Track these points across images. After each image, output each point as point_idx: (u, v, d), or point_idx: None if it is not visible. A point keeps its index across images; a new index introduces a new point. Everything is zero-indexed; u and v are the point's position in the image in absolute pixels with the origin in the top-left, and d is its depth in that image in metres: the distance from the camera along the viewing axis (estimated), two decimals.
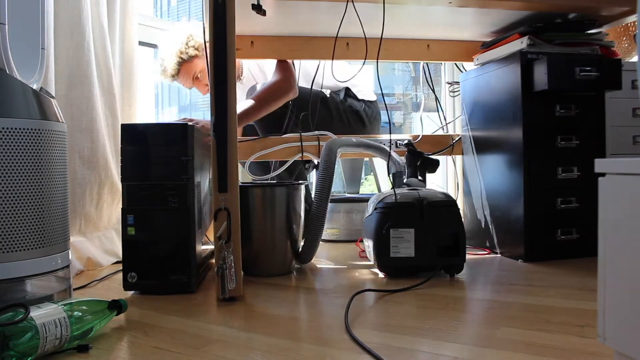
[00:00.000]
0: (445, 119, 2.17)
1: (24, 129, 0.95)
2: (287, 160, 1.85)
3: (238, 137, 1.22)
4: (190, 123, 1.31)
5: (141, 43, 2.00)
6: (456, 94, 2.26)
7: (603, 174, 0.71)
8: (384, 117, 2.25)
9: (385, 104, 1.97)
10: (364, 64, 1.52)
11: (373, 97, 2.20)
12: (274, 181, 1.79)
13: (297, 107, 1.94)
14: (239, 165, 1.33)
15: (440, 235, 1.41)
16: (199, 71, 1.97)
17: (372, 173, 2.42)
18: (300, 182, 1.57)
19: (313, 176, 2.21)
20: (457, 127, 2.37)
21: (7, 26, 0.94)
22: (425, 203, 1.40)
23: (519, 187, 1.60)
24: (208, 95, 1.20)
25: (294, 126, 1.93)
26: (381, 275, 1.45)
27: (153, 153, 1.28)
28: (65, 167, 1.07)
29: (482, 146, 1.82)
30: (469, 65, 2.04)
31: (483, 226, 1.81)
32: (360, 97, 2.15)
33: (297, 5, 1.51)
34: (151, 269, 1.27)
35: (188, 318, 1.08)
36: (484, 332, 0.97)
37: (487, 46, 1.81)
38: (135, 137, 1.28)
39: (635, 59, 2.09)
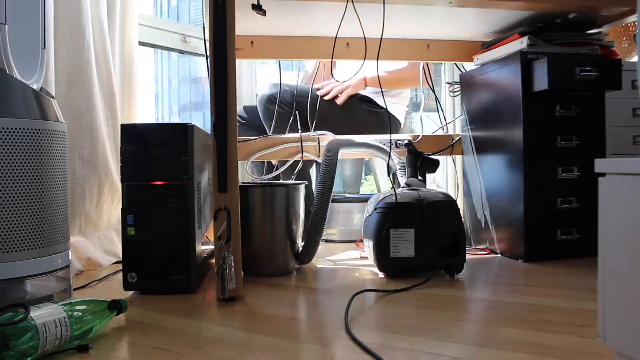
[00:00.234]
0: (445, 119, 2.17)
1: (24, 129, 0.95)
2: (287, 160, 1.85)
3: (238, 137, 1.22)
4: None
5: (141, 43, 2.00)
6: (456, 94, 2.25)
7: (603, 174, 0.71)
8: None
9: (385, 104, 1.97)
10: (363, 63, 1.52)
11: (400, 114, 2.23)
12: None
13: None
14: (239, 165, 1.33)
15: (440, 235, 1.41)
16: None
17: (371, 173, 2.42)
18: (300, 182, 1.57)
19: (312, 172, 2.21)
20: (457, 127, 2.37)
21: (7, 26, 0.94)
22: (425, 203, 1.40)
23: (519, 187, 1.60)
24: (208, 95, 1.20)
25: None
26: (381, 275, 1.45)
27: (153, 153, 1.28)
28: (65, 167, 1.07)
29: (482, 146, 1.82)
30: (469, 65, 2.04)
31: (483, 226, 1.81)
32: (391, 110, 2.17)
33: (297, 5, 1.51)
34: (151, 269, 1.27)
35: (188, 318, 1.08)
36: (484, 332, 0.97)
37: (487, 46, 1.81)
38: (135, 137, 1.28)
39: (635, 59, 2.09)
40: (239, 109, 2.16)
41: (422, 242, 1.40)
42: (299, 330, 1.01)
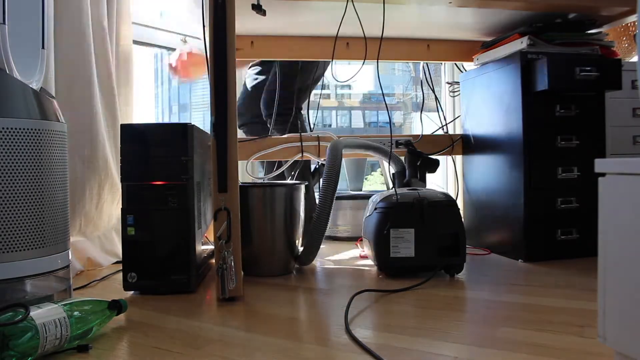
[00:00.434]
0: (445, 119, 2.17)
1: (24, 129, 0.95)
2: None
3: (238, 137, 1.22)
4: None
5: (141, 43, 2.00)
6: (456, 94, 2.26)
7: (603, 174, 0.71)
8: (384, 118, 2.24)
9: (385, 104, 1.97)
10: (363, 63, 1.52)
11: None
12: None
13: None
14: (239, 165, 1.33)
15: (440, 235, 1.41)
16: None
17: (374, 170, 2.41)
18: (300, 182, 1.57)
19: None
20: (457, 127, 2.37)
21: (7, 26, 0.94)
22: (425, 203, 1.40)
23: (519, 187, 1.60)
24: (208, 95, 1.20)
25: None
26: (381, 275, 1.45)
27: (153, 153, 1.28)
28: (65, 167, 1.07)
29: (482, 146, 1.82)
30: (469, 65, 2.04)
31: (483, 226, 1.81)
32: None
33: (297, 5, 1.51)
34: (151, 269, 1.27)
35: (188, 318, 1.08)
36: (483, 332, 0.97)
37: (487, 46, 1.81)
38: (135, 137, 1.28)
39: (635, 59, 2.09)
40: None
41: (422, 242, 1.40)
42: (299, 330, 1.01)
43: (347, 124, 3.96)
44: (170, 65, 2.06)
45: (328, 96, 3.63)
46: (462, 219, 1.46)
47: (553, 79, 1.50)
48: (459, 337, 0.94)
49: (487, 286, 1.33)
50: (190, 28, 2.23)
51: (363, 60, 1.51)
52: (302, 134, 1.89)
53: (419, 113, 2.10)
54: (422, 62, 2.10)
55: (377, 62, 1.50)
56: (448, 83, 2.38)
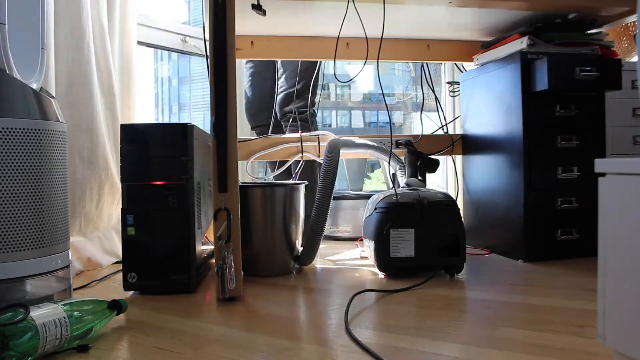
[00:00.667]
0: (445, 119, 2.17)
1: (24, 129, 0.95)
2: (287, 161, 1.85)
3: (238, 137, 1.22)
4: None
5: (141, 43, 2.00)
6: (456, 94, 2.26)
7: (603, 174, 0.71)
8: (384, 118, 2.24)
9: (385, 104, 1.97)
10: (364, 64, 1.52)
11: None
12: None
13: None
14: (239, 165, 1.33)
15: (440, 235, 1.41)
16: None
17: (374, 170, 2.42)
18: (300, 182, 1.57)
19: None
20: (457, 127, 2.37)
21: (7, 26, 0.94)
22: (425, 203, 1.40)
23: (519, 187, 1.60)
24: (208, 95, 1.20)
25: None
26: (381, 275, 1.45)
27: (153, 153, 1.28)
28: (65, 167, 1.07)
29: (482, 146, 1.82)
30: (469, 65, 2.04)
31: (483, 226, 1.81)
32: None
33: (297, 5, 1.51)
34: (151, 269, 1.27)
35: (188, 318, 1.08)
36: (483, 332, 0.97)
37: (487, 46, 1.81)
38: (135, 137, 1.28)
39: (635, 59, 2.09)
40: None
41: (422, 242, 1.40)
42: (299, 330, 1.01)
43: (347, 124, 3.96)
44: None
45: (328, 96, 3.63)
46: (462, 219, 1.46)
47: (553, 79, 1.50)
48: (459, 337, 0.94)
49: (487, 286, 1.33)
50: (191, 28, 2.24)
51: (364, 61, 1.51)
52: (302, 134, 1.89)
53: (419, 113, 2.10)
54: (422, 62, 2.10)
55: (377, 62, 1.50)
56: (448, 83, 2.38)
